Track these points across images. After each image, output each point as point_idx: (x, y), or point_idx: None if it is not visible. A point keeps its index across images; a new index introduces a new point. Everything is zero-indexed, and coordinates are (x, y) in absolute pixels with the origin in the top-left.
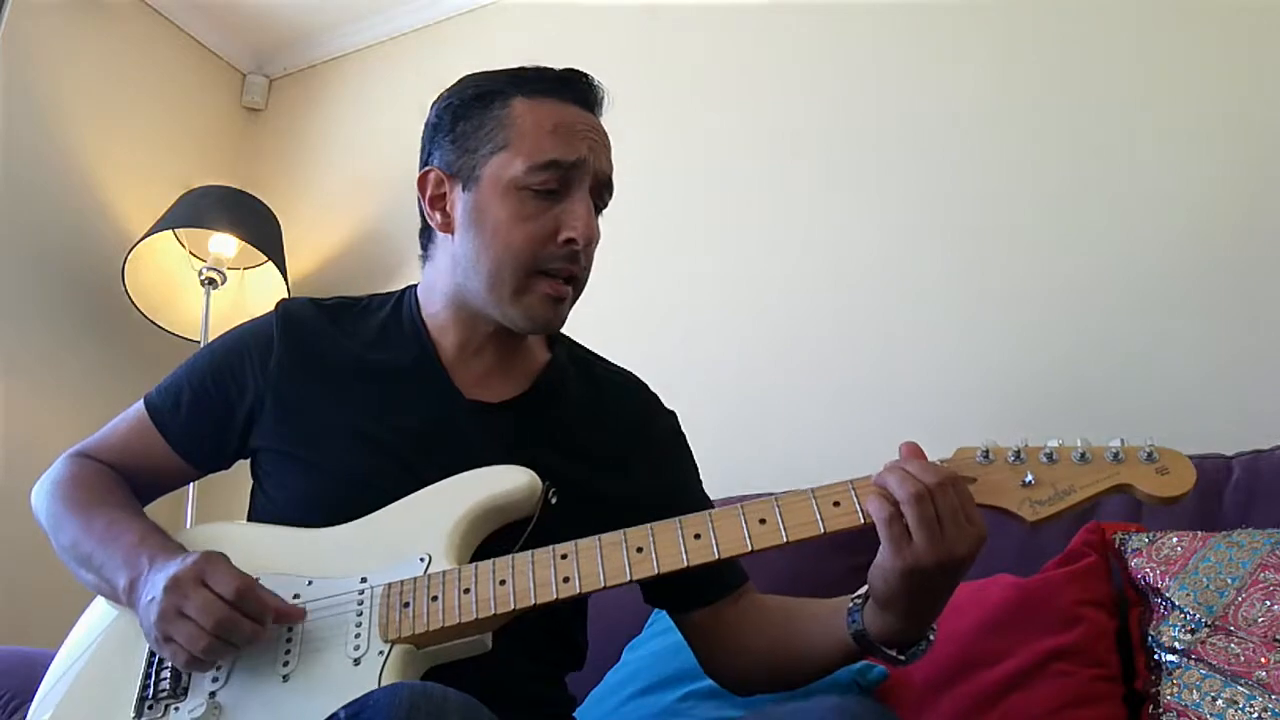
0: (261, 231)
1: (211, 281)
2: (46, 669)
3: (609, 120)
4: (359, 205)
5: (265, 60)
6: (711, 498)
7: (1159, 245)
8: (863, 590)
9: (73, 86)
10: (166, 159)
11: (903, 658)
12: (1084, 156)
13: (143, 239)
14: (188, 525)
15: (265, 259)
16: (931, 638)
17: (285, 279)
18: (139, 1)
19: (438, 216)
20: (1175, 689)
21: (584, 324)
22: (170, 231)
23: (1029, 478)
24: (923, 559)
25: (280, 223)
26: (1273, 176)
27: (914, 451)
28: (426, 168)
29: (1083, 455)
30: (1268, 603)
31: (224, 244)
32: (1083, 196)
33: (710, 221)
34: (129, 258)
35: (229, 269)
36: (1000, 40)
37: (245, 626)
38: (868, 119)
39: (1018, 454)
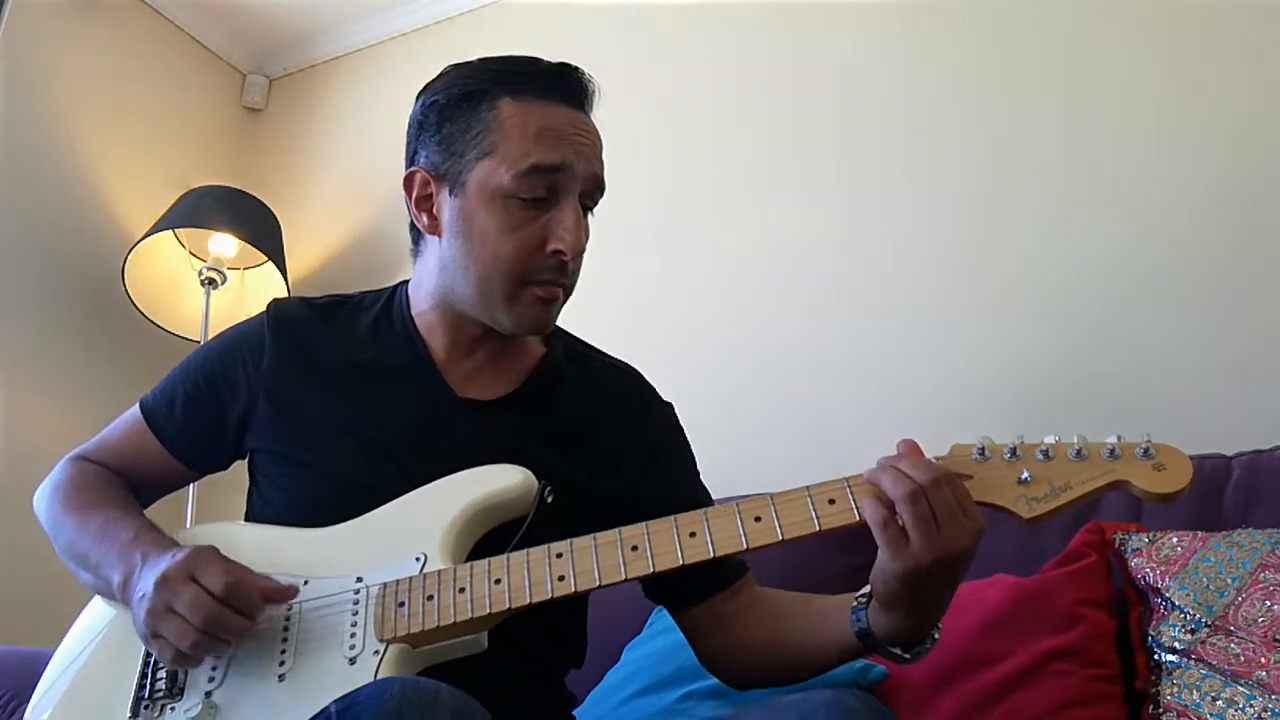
0: (261, 231)
1: (211, 281)
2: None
3: (611, 116)
4: (359, 205)
5: (265, 60)
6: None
7: (1160, 244)
8: (866, 589)
9: (73, 86)
10: (166, 159)
11: (908, 656)
12: (1087, 153)
13: (143, 239)
14: (188, 526)
15: (265, 259)
16: (937, 635)
17: (285, 279)
18: (139, 1)
19: (425, 219)
20: (1175, 689)
21: (580, 315)
22: (170, 231)
23: (1025, 475)
24: (921, 559)
25: (280, 223)
26: (1275, 175)
27: (910, 449)
28: (413, 167)
29: (1079, 452)
30: (1268, 603)
31: (224, 244)
32: (1084, 194)
33: (707, 217)
34: (129, 258)
35: (229, 269)
36: (1000, 37)
37: (233, 622)
38: (872, 114)
39: (1014, 451)
